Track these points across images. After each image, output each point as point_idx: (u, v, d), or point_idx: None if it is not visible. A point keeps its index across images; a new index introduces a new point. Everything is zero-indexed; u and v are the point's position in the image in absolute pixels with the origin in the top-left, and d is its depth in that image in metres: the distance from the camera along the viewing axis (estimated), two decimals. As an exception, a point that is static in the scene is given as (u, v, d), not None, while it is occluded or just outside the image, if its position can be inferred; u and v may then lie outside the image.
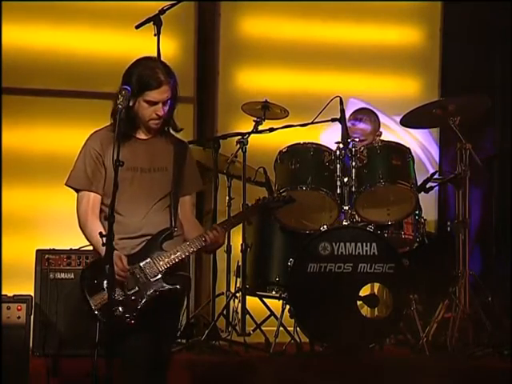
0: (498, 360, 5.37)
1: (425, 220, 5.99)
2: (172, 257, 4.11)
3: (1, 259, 5.91)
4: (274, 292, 5.81)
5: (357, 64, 7.17)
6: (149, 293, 4.06)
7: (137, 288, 4.06)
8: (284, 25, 7.09)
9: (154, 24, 5.34)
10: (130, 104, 4.09)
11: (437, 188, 6.36)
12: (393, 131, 6.99)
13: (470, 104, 5.93)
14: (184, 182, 4.26)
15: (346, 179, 5.57)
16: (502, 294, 6.32)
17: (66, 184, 4.23)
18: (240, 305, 5.77)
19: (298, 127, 5.76)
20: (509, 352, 5.38)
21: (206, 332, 5.54)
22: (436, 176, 6.18)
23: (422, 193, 5.85)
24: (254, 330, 5.84)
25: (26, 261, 5.74)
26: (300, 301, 5.38)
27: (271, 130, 5.87)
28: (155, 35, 5.30)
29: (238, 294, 5.86)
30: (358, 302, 5.41)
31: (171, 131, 4.35)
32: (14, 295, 4.94)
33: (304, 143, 5.69)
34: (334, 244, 5.37)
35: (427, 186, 5.90)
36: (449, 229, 5.96)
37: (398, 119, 6.20)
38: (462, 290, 5.70)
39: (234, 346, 5.59)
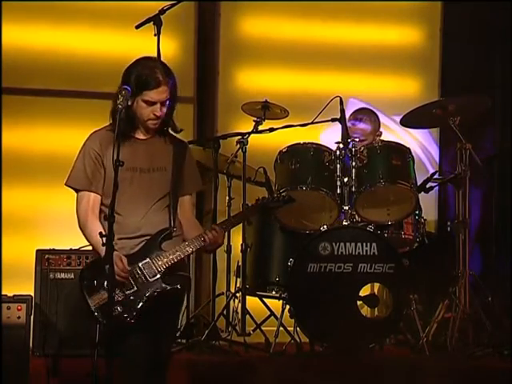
0: (498, 360, 5.37)
1: (425, 220, 5.99)
2: (171, 257, 4.11)
3: (1, 259, 5.91)
4: (274, 292, 5.80)
5: (357, 64, 7.17)
6: (147, 293, 4.06)
7: (135, 288, 4.06)
8: (284, 25, 7.09)
9: (153, 24, 5.34)
10: (129, 103, 4.09)
11: (437, 188, 6.36)
12: (393, 131, 6.99)
13: (469, 104, 5.93)
14: (183, 182, 4.26)
15: (346, 179, 5.57)
16: (502, 294, 6.32)
17: (65, 184, 4.24)
18: (240, 305, 5.77)
19: (298, 127, 5.76)
20: (509, 352, 5.38)
21: (206, 332, 5.54)
22: (436, 176, 6.18)
23: (422, 193, 5.85)
24: (254, 330, 5.84)
25: (26, 261, 5.74)
26: (300, 301, 5.38)
27: (271, 130, 5.87)
28: (155, 35, 5.30)
29: (238, 294, 5.86)
30: (358, 302, 5.41)
31: (171, 131, 4.35)
32: (14, 295, 4.94)
33: (304, 143, 5.69)
34: (333, 244, 5.37)
35: (427, 185, 5.90)
36: (449, 229, 5.96)
37: (398, 119, 6.20)
38: (462, 290, 5.70)
39: (234, 346, 5.59)
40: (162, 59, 4.82)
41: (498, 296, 6.11)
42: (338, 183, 5.58)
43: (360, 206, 5.62)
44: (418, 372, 5.08)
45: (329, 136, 6.43)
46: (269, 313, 5.97)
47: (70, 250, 5.53)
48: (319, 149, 5.66)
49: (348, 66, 7.18)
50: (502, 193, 7.07)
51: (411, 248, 5.91)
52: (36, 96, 6.67)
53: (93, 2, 6.70)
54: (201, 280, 6.84)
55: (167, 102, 4.17)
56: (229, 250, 6.04)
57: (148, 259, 4.09)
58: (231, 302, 5.93)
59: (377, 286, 5.78)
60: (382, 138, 6.18)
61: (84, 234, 4.19)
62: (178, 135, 4.38)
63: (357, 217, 5.60)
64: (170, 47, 6.67)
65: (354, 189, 5.57)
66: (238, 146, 5.86)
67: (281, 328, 5.51)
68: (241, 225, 5.63)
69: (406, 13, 7.34)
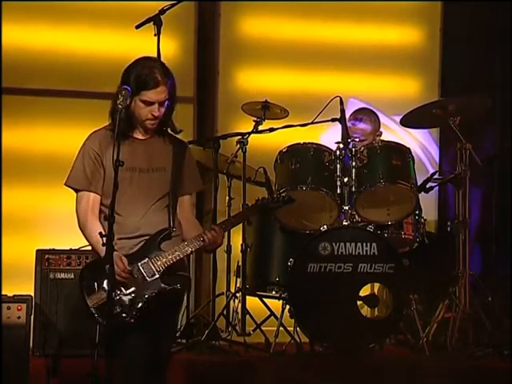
0: (498, 360, 5.37)
1: (425, 220, 5.99)
2: (170, 257, 4.11)
3: (1, 259, 5.91)
4: (274, 292, 5.80)
5: (357, 64, 7.17)
6: (146, 293, 4.06)
7: (134, 288, 4.06)
8: (284, 25, 7.09)
9: (154, 24, 5.34)
10: (127, 103, 4.08)
11: (437, 188, 6.36)
12: (393, 131, 6.99)
13: (469, 104, 5.93)
14: (183, 182, 4.26)
15: (346, 179, 5.57)
16: (502, 294, 6.32)
17: (65, 184, 4.23)
18: (240, 305, 5.77)
19: (298, 127, 5.76)
20: (509, 352, 5.38)
21: (206, 332, 5.54)
22: (436, 176, 6.18)
23: (422, 193, 5.85)
24: (254, 330, 5.84)
25: (26, 261, 5.75)
26: (300, 301, 5.38)
27: (271, 130, 5.87)
28: (155, 35, 5.29)
29: (238, 294, 5.86)
30: (358, 302, 5.41)
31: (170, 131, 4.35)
32: (14, 295, 4.94)
33: (304, 143, 5.69)
34: (333, 244, 5.37)
35: (427, 185, 5.90)
36: (449, 229, 5.96)
37: (398, 119, 6.20)
38: (462, 290, 5.70)
39: (234, 346, 5.59)
40: (162, 59, 4.82)
41: (498, 296, 6.11)
42: (338, 183, 5.58)
43: (360, 206, 5.62)
44: (418, 372, 5.08)
45: (329, 136, 6.43)
46: (269, 313, 5.97)
47: (70, 250, 5.53)
48: (319, 149, 5.66)
49: (348, 66, 7.18)
50: (502, 193, 7.07)
51: (411, 248, 5.91)
52: (36, 96, 6.67)
53: (93, 1, 6.70)
54: (201, 280, 6.84)
55: (166, 103, 4.16)
56: (229, 250, 6.05)
57: (147, 259, 4.09)
58: (231, 301, 5.93)
59: (377, 286, 5.78)
60: (382, 137, 6.18)
61: (84, 234, 4.19)
62: (177, 135, 4.37)
63: (357, 217, 5.60)
64: (170, 47, 6.67)
65: (353, 189, 5.57)
66: (238, 145, 5.86)
67: (281, 328, 5.51)
68: (241, 225, 5.63)
69: (405, 13, 7.34)
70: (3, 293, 4.95)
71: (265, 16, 7.12)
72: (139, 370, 4.03)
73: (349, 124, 5.96)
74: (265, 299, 5.97)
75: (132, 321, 4.00)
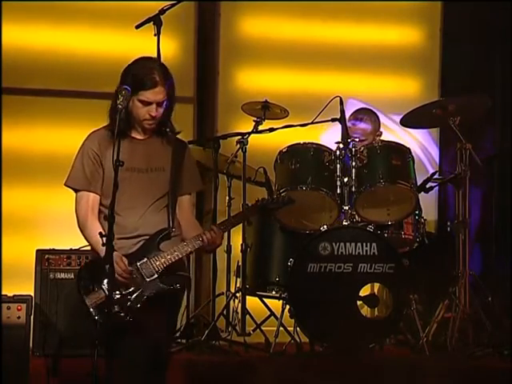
0: (498, 360, 5.37)
1: (425, 220, 5.99)
2: (169, 257, 4.11)
3: (1, 259, 5.91)
4: (274, 292, 5.80)
5: (357, 64, 7.17)
6: (145, 293, 4.06)
7: (133, 288, 4.06)
8: (284, 25, 7.09)
9: (154, 24, 5.33)
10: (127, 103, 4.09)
11: (437, 188, 6.36)
12: (392, 131, 6.99)
13: (470, 104, 5.93)
14: (182, 182, 4.26)
15: (346, 179, 5.57)
16: (502, 294, 6.32)
17: (64, 184, 4.24)
18: (240, 305, 5.77)
19: (298, 127, 5.76)
20: (509, 352, 5.38)
21: (206, 332, 5.53)
22: (436, 176, 6.18)
23: (422, 193, 5.85)
24: (254, 330, 5.83)
25: (26, 261, 5.74)
26: (300, 301, 5.38)
27: (271, 130, 5.87)
28: (155, 35, 5.29)
29: (238, 294, 5.86)
30: (358, 302, 5.41)
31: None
32: (14, 295, 4.94)
33: (304, 143, 5.69)
34: (334, 244, 5.37)
35: (427, 185, 5.90)
36: (449, 229, 5.96)
37: (398, 119, 6.20)
38: (462, 290, 5.70)
39: (234, 346, 5.59)
40: (161, 59, 4.82)
41: (498, 296, 6.11)
42: (338, 183, 5.57)
43: (360, 206, 5.62)
44: (418, 372, 5.07)
45: (329, 136, 6.43)
46: (269, 313, 5.97)
47: (70, 250, 5.53)
48: (319, 149, 5.66)
49: (348, 66, 7.18)
50: (502, 193, 7.07)
51: (411, 248, 5.91)
52: (36, 96, 6.67)
53: (93, 1, 6.70)
54: (201, 280, 6.84)
55: (164, 103, 4.16)
56: (229, 250, 6.04)
57: (146, 259, 4.10)
58: (231, 302, 5.93)
59: (377, 285, 5.78)
60: (382, 138, 6.18)
61: (83, 235, 4.19)
62: (177, 135, 4.37)
63: (357, 217, 5.60)
64: (170, 47, 6.67)
65: (354, 189, 5.57)
66: (238, 145, 5.86)
67: (281, 328, 5.51)
68: (241, 225, 5.63)
69: (405, 13, 7.34)
70: (3, 293, 4.95)
71: (265, 16, 7.12)
72: (138, 370, 4.03)
73: (349, 124, 5.96)
74: (265, 299, 5.97)
75: (130, 320, 4.00)
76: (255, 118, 6.05)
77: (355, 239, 5.38)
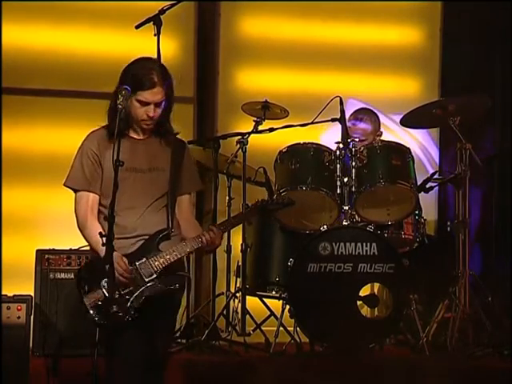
0: (498, 360, 5.37)
1: (425, 220, 5.99)
2: (168, 257, 4.10)
3: (1, 259, 5.91)
4: (274, 292, 5.81)
5: (357, 64, 7.17)
6: (144, 293, 4.06)
7: (132, 287, 4.06)
8: (284, 25, 7.09)
9: (153, 24, 5.34)
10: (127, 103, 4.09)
11: (437, 188, 6.37)
12: (392, 131, 6.99)
13: (470, 104, 5.93)
14: (181, 182, 4.25)
15: (346, 179, 5.57)
16: (502, 294, 6.32)
17: (64, 184, 4.23)
18: (240, 305, 5.77)
19: (298, 127, 5.76)
20: (509, 352, 5.38)
21: (206, 332, 5.54)
22: (436, 176, 6.18)
23: (422, 193, 5.86)
24: (254, 330, 5.84)
25: (26, 261, 5.75)
26: (300, 301, 5.38)
27: (271, 130, 5.87)
28: (155, 35, 5.30)
29: (238, 294, 5.86)
30: (358, 302, 5.41)
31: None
32: (14, 295, 4.94)
33: (304, 143, 5.69)
34: (333, 244, 5.37)
35: (427, 186, 5.91)
36: (449, 229, 5.96)
37: (398, 119, 6.20)
38: (462, 290, 5.70)
39: (234, 346, 5.59)
40: (161, 59, 4.82)
41: (498, 296, 6.11)
42: (338, 183, 5.58)
43: (360, 206, 5.62)
44: (418, 372, 5.08)
45: (329, 136, 6.43)
46: (269, 313, 5.97)
47: (70, 250, 5.53)
48: (319, 149, 5.66)
49: (348, 66, 7.18)
50: (502, 193, 7.07)
51: (411, 248, 5.91)
52: (36, 96, 6.67)
53: (93, 1, 6.70)
54: (201, 280, 6.83)
55: (162, 104, 4.16)
56: (229, 250, 6.04)
57: (145, 259, 4.09)
58: (231, 302, 5.93)
59: (377, 285, 5.78)
60: (382, 138, 6.18)
61: (83, 235, 4.19)
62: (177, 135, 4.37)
63: (357, 217, 5.60)
64: (170, 47, 6.67)
65: (354, 189, 5.57)
66: (238, 145, 5.86)
67: (281, 328, 5.51)
68: (241, 225, 5.63)
69: (405, 13, 7.34)
70: (3, 293, 4.95)
71: (264, 16, 7.12)
72: (136, 370, 4.04)
73: (349, 124, 5.96)
74: (265, 299, 5.97)
75: (129, 320, 4.00)
76: (255, 118, 6.05)
77: (355, 239, 5.38)
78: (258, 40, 7.08)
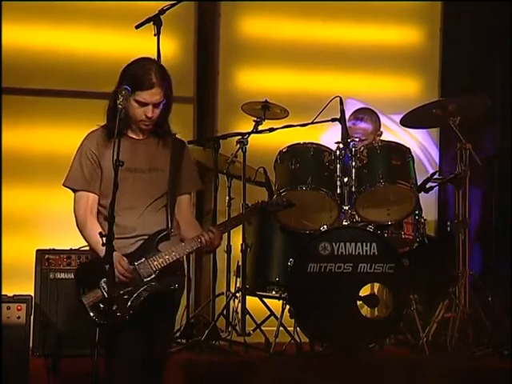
0: (498, 360, 5.37)
1: (425, 220, 5.99)
2: (167, 257, 4.10)
3: (1, 259, 5.91)
4: (274, 292, 5.81)
5: (357, 64, 7.17)
6: (142, 292, 4.06)
7: (130, 287, 4.06)
8: (284, 25, 7.09)
9: (153, 24, 5.34)
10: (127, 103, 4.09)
11: (437, 188, 6.37)
12: (392, 131, 6.99)
13: (470, 104, 5.93)
14: (181, 182, 4.25)
15: (346, 179, 5.57)
16: (502, 294, 6.32)
17: (63, 185, 4.23)
18: (240, 305, 5.77)
19: (298, 127, 5.76)
20: (509, 352, 5.38)
21: (206, 332, 5.54)
22: (436, 176, 6.18)
23: (422, 193, 5.86)
24: (254, 330, 5.84)
25: (26, 261, 5.75)
26: (300, 301, 5.38)
27: (271, 130, 5.87)
28: (155, 35, 5.30)
29: (238, 294, 5.86)
30: (358, 302, 5.41)
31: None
32: (14, 295, 4.94)
33: (304, 143, 5.69)
34: (334, 244, 5.37)
35: (427, 185, 5.91)
36: (449, 229, 5.96)
37: (398, 119, 6.20)
38: (462, 290, 5.70)
39: (234, 346, 5.60)
40: (161, 59, 4.83)
41: (498, 296, 6.11)
42: (338, 183, 5.58)
43: (360, 206, 5.62)
44: (418, 372, 5.08)
45: (329, 136, 6.43)
46: (269, 313, 5.97)
47: (70, 250, 5.53)
48: (319, 149, 5.66)
49: (348, 66, 7.18)
50: (502, 193, 7.07)
51: (411, 248, 5.91)
52: (36, 96, 6.67)
53: (93, 1, 6.70)
54: (201, 280, 6.83)
55: (161, 105, 4.15)
56: (229, 250, 6.04)
57: (144, 259, 4.09)
58: (231, 302, 5.93)
59: (377, 285, 5.78)
60: (382, 137, 6.18)
61: (82, 235, 4.18)
62: (177, 134, 4.36)
63: (357, 217, 5.60)
64: (170, 47, 6.67)
65: (354, 189, 5.57)
66: (238, 145, 5.86)
67: (281, 328, 5.51)
68: (241, 225, 5.62)
69: (406, 13, 7.34)
70: (3, 293, 4.95)
71: (265, 16, 7.12)
72: (135, 370, 4.04)
73: (350, 124, 5.96)
74: (265, 299, 5.97)
75: (126, 319, 4.00)
76: (255, 118, 6.05)
77: (355, 239, 5.38)
78: (258, 40, 7.08)
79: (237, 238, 5.92)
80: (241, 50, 7.10)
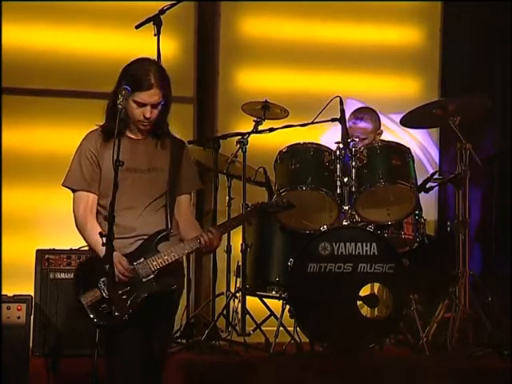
0: (498, 360, 5.37)
1: (425, 220, 5.99)
2: (166, 257, 4.10)
3: (1, 259, 5.91)
4: (274, 292, 5.80)
5: (357, 64, 7.17)
6: (141, 293, 4.06)
7: (129, 287, 4.06)
8: (284, 25, 7.09)
9: (153, 24, 5.34)
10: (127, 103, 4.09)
11: (437, 188, 6.37)
12: (392, 131, 6.99)
13: (470, 104, 5.93)
14: (180, 182, 4.25)
15: (346, 179, 5.57)
16: (502, 294, 6.32)
17: (62, 185, 4.23)
18: (240, 305, 5.77)
19: (298, 127, 5.76)
20: (509, 352, 5.38)
21: (206, 332, 5.54)
22: (436, 176, 6.18)
23: (422, 193, 5.86)
24: (254, 330, 5.84)
25: (26, 261, 5.75)
26: (300, 301, 5.38)
27: (271, 130, 5.87)
28: (155, 35, 5.30)
29: (238, 294, 5.86)
30: (358, 302, 5.41)
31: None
32: (14, 295, 4.93)
33: (304, 143, 5.69)
34: (333, 244, 5.37)
35: (427, 185, 5.91)
36: (449, 229, 5.96)
37: (398, 119, 6.20)
38: (462, 290, 5.70)
39: (234, 346, 5.60)
40: (161, 59, 4.82)
41: (498, 296, 6.11)
42: (338, 183, 5.58)
43: (360, 206, 5.62)
44: (418, 372, 5.07)
45: (329, 136, 6.43)
46: (269, 313, 5.97)
47: (70, 250, 5.53)
48: (319, 149, 5.66)
49: (348, 66, 7.18)
50: (502, 193, 7.07)
51: (411, 248, 5.91)
52: (36, 96, 6.67)
53: (93, 1, 6.70)
54: (201, 280, 6.83)
55: (159, 105, 4.15)
56: (229, 250, 6.04)
57: (143, 259, 4.09)
58: (231, 302, 5.93)
59: (377, 285, 5.78)
60: (382, 137, 6.18)
61: (82, 235, 4.18)
62: (177, 134, 4.36)
63: (357, 217, 5.60)
64: (170, 47, 6.67)
65: (354, 189, 5.57)
66: (238, 145, 5.86)
67: (281, 328, 5.51)
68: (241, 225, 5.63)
69: (405, 13, 7.34)
70: (3, 293, 4.95)
71: (265, 16, 7.12)
72: (134, 370, 4.04)
73: (350, 123, 5.97)
74: (265, 299, 5.97)
75: (125, 319, 4.00)
76: (255, 118, 6.05)
77: (355, 239, 5.38)
78: (258, 40, 7.08)
79: (237, 237, 5.92)
80: (241, 49, 7.10)
